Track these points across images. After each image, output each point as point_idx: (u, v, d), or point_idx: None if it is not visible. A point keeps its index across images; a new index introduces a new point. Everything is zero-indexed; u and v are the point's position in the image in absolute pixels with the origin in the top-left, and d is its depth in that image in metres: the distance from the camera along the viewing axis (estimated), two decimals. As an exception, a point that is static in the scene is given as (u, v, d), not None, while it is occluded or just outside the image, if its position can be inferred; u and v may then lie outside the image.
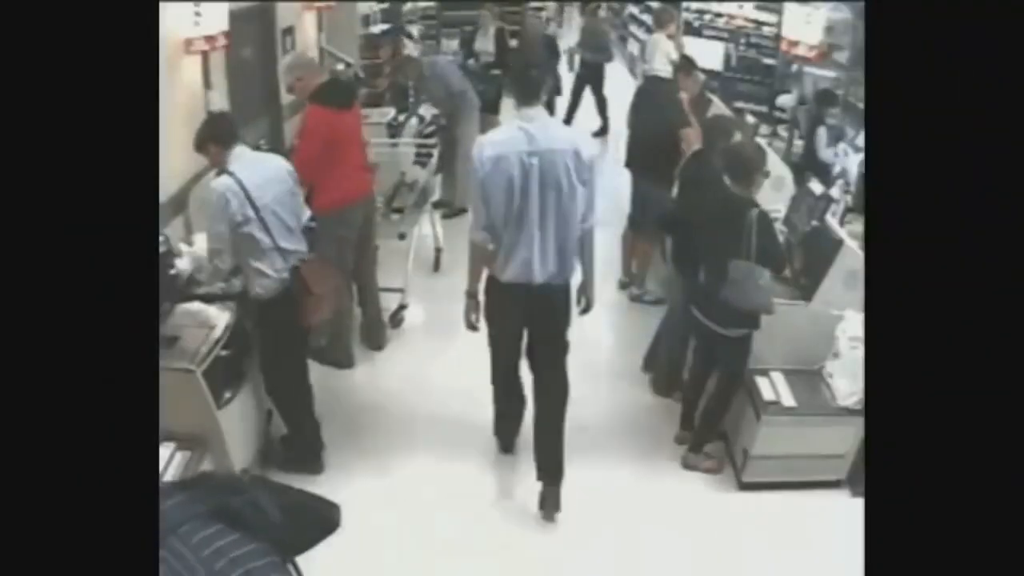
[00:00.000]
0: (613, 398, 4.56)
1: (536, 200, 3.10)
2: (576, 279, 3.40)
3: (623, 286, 5.78)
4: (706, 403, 3.81)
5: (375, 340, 4.92)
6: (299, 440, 3.75)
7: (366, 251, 4.71)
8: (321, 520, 1.68)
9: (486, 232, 3.21)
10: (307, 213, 3.60)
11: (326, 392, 4.21)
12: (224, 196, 3.19)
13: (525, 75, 3.19)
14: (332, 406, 4.18)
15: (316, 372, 4.09)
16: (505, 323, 3.45)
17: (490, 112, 7.84)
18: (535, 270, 3.20)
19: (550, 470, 3.50)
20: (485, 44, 8.29)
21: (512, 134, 3.13)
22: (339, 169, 4.23)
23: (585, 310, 3.47)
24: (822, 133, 5.64)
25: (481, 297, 3.41)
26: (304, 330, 3.60)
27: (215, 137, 3.27)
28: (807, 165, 5.61)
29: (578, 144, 3.16)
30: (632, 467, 3.97)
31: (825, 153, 5.57)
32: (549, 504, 3.51)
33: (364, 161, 4.62)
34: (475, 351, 4.97)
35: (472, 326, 3.45)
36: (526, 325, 3.44)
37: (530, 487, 3.63)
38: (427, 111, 7.12)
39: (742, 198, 3.44)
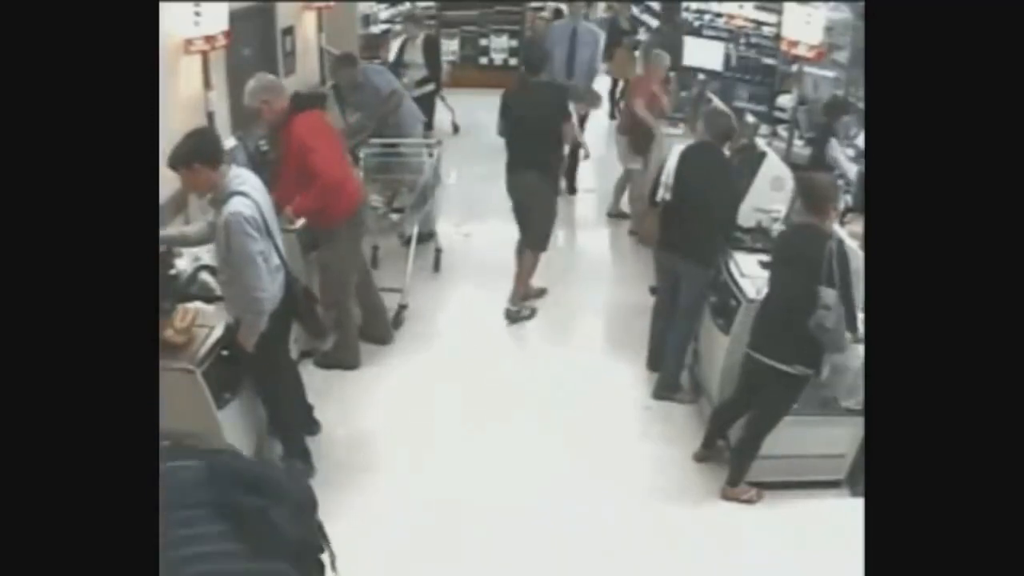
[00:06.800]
0: (613, 398, 4.56)
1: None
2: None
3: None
4: (741, 439, 3.72)
5: (381, 335, 4.91)
6: (293, 433, 3.70)
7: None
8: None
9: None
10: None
11: (329, 395, 4.21)
12: (253, 217, 3.05)
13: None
14: (335, 406, 4.18)
15: (319, 375, 4.11)
16: None
17: (426, 128, 7.17)
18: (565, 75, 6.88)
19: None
20: (414, 55, 7.61)
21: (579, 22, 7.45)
22: (345, 173, 4.26)
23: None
24: (835, 144, 5.63)
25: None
26: (287, 340, 3.67)
27: (203, 156, 3.04)
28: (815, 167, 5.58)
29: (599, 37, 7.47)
30: (632, 468, 3.97)
31: (836, 153, 5.56)
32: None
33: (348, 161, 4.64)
34: (474, 351, 5.02)
35: None
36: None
37: (526, 489, 3.63)
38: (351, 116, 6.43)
39: (819, 228, 3.39)
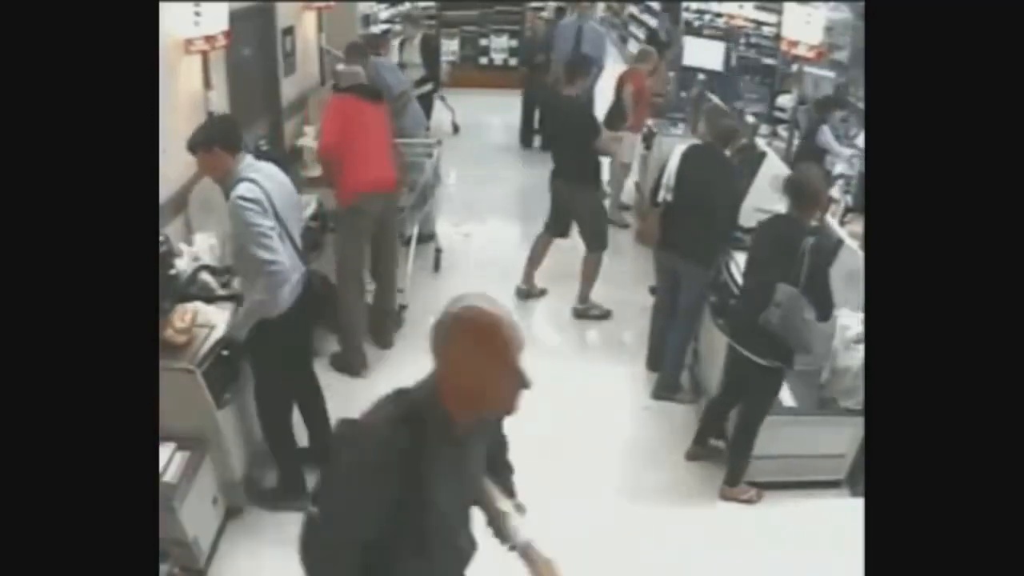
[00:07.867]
0: (613, 398, 4.56)
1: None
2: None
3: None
4: (734, 437, 3.73)
5: (384, 338, 4.89)
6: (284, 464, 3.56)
7: (386, 246, 4.71)
8: None
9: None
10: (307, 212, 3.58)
11: (326, 395, 4.20)
12: (257, 199, 3.00)
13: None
14: (332, 407, 4.17)
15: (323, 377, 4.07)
16: None
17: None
18: None
19: None
20: (412, 55, 7.74)
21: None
22: (360, 157, 4.31)
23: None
24: (826, 129, 5.63)
25: None
26: (307, 343, 3.64)
27: (224, 140, 3.05)
28: (804, 155, 5.57)
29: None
30: (631, 467, 3.98)
31: (827, 138, 5.54)
32: None
33: (390, 157, 4.62)
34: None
35: None
36: None
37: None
38: None
39: (800, 223, 3.36)
